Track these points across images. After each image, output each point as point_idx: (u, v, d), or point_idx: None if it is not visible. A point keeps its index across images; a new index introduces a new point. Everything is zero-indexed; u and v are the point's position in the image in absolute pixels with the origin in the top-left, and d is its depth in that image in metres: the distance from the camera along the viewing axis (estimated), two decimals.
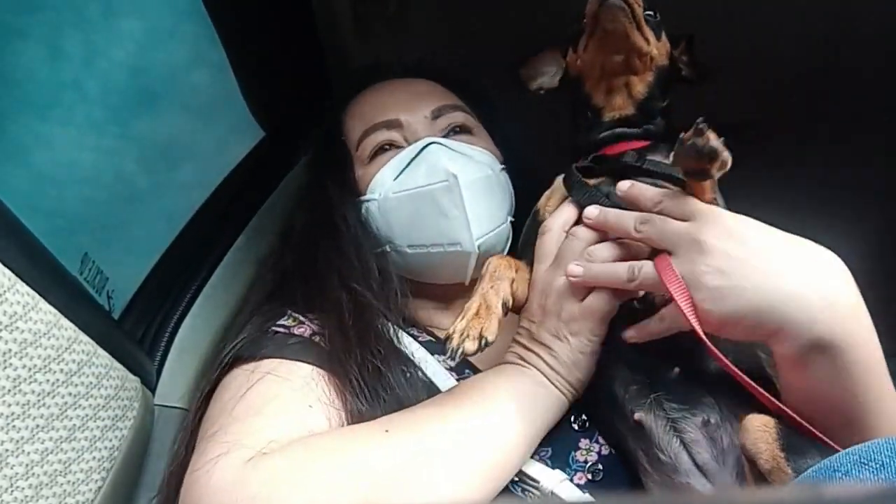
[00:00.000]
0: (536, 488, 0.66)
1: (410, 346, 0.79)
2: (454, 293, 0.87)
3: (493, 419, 0.65)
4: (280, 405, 0.67)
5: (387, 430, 0.63)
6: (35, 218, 0.76)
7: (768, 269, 0.62)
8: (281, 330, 0.76)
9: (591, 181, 0.77)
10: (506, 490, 0.65)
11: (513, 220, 0.88)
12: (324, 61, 1.05)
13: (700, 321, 0.61)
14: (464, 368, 0.78)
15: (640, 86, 0.79)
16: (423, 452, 0.62)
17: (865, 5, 1.01)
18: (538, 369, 0.69)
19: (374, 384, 0.70)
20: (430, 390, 0.74)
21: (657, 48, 0.78)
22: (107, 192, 1.20)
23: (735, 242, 0.62)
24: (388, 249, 0.85)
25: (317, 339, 0.75)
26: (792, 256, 0.63)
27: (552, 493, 0.65)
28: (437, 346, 0.80)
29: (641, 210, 0.69)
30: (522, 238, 0.81)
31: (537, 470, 0.67)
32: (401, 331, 0.80)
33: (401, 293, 0.83)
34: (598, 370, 0.71)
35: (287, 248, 0.88)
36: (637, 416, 0.69)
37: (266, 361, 0.72)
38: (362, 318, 0.76)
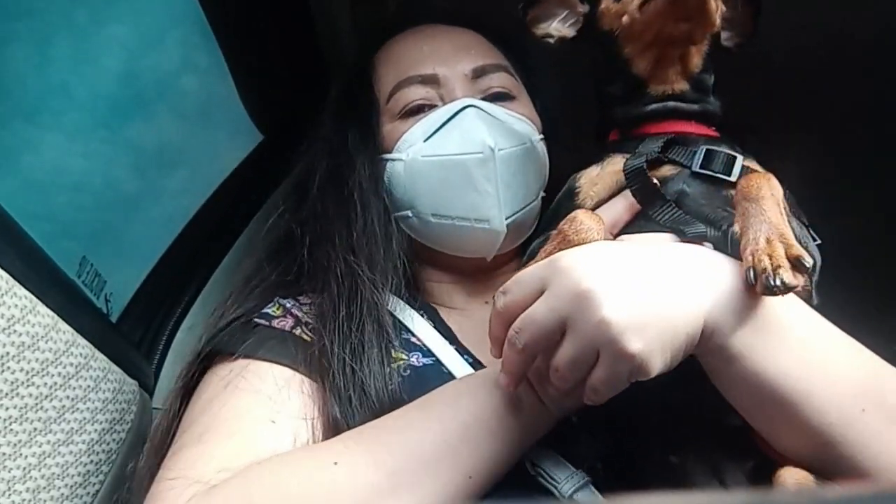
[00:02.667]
0: (556, 488, 0.60)
1: (421, 329, 0.74)
2: (473, 267, 0.82)
3: (464, 434, 0.58)
4: (241, 424, 0.63)
5: (335, 462, 0.57)
6: (23, 223, 0.76)
7: (657, 274, 0.54)
8: (262, 322, 0.72)
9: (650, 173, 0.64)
10: (526, 482, 0.61)
11: (545, 195, 0.81)
12: (323, 63, 1.05)
13: (639, 368, 0.51)
14: (464, 354, 0.73)
15: (697, 57, 0.67)
16: (374, 485, 0.55)
17: (865, 6, 1.02)
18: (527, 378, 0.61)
19: (350, 389, 0.65)
20: (440, 377, 0.69)
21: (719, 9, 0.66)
22: (96, 198, 1.20)
23: (607, 266, 0.53)
24: (410, 215, 0.79)
25: (298, 331, 0.71)
26: (674, 262, 0.56)
27: (571, 496, 0.59)
28: (454, 337, 0.75)
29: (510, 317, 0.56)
30: (550, 213, 0.71)
31: (559, 469, 0.61)
32: (413, 312, 0.75)
33: (409, 268, 0.77)
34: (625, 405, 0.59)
35: (297, 206, 0.82)
36: (674, 459, 0.61)
37: (241, 361, 0.67)
38: (354, 303, 0.70)
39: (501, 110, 0.79)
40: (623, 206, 0.64)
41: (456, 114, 0.77)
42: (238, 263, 1.00)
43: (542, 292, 0.54)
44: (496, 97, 0.81)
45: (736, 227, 0.56)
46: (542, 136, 0.82)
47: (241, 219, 1.03)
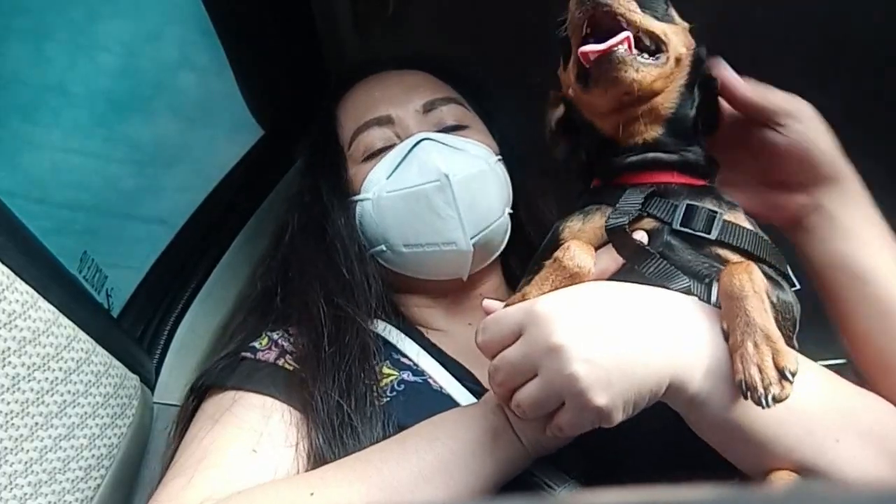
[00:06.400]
0: (552, 495, 0.63)
1: (409, 349, 0.78)
2: (452, 289, 0.86)
3: (440, 467, 0.61)
4: (224, 455, 0.66)
5: (312, 493, 0.60)
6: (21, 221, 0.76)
7: (628, 329, 0.56)
8: (249, 355, 0.75)
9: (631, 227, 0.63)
10: (524, 487, 0.63)
11: (511, 212, 0.86)
12: (323, 59, 1.05)
13: (603, 419, 0.55)
14: (460, 373, 0.76)
15: (667, 104, 0.64)
16: None
17: (868, 4, 1.02)
18: (507, 415, 0.63)
19: (335, 421, 0.68)
20: (431, 393, 0.73)
21: (675, 36, 0.63)
22: (95, 195, 1.20)
23: (579, 320, 0.56)
24: (384, 249, 0.83)
25: (282, 361, 0.74)
26: (647, 310, 0.58)
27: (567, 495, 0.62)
28: (443, 354, 0.79)
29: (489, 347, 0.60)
30: (537, 256, 0.69)
31: (556, 477, 0.64)
32: (401, 334, 0.79)
33: (391, 299, 0.82)
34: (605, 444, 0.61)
35: (275, 256, 0.87)
36: (652, 478, 0.60)
37: (230, 393, 0.71)
38: (341, 340, 0.74)
39: (455, 138, 0.84)
40: (610, 258, 0.64)
41: (412, 148, 0.81)
42: (239, 260, 1.00)
43: (519, 335, 0.57)
44: (449, 128, 0.86)
45: (724, 325, 0.57)
46: (498, 157, 0.87)
47: (242, 214, 1.03)
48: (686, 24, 0.67)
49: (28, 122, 1.18)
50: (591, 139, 0.69)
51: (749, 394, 0.52)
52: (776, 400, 0.51)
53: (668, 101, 0.64)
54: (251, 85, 1.03)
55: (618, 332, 0.56)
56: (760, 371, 0.52)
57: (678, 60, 0.63)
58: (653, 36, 0.62)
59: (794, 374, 0.52)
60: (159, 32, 1.21)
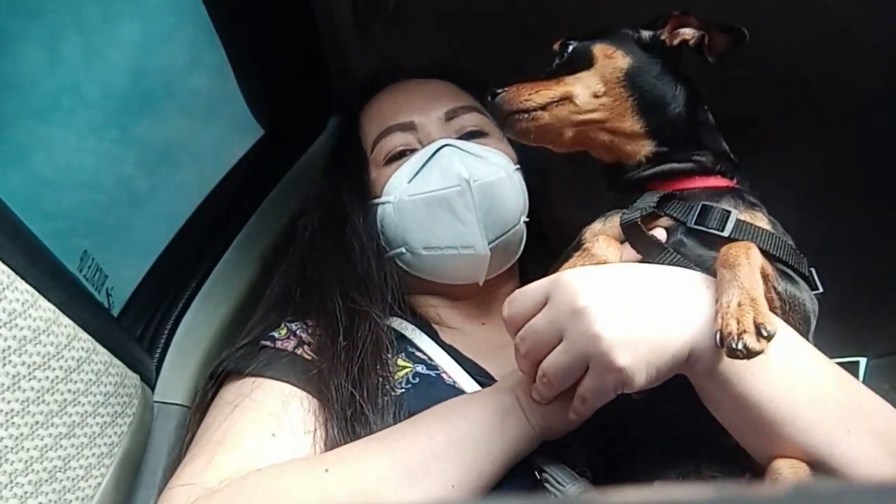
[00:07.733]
0: (561, 492, 0.63)
1: (424, 345, 0.79)
2: (468, 293, 0.87)
3: (450, 446, 0.62)
4: (244, 438, 0.68)
5: (326, 469, 0.62)
6: (34, 220, 0.76)
7: (652, 298, 0.58)
8: (268, 344, 0.77)
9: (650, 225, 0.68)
10: (534, 484, 0.64)
11: (527, 220, 0.87)
12: (323, 59, 1.05)
13: (625, 382, 0.56)
14: (474, 370, 0.77)
15: (628, 122, 0.70)
16: (363, 491, 0.60)
17: (868, 3, 1.01)
18: (517, 397, 0.65)
19: (349, 412, 0.70)
20: (444, 386, 0.74)
21: (582, 81, 0.70)
22: (106, 195, 1.21)
23: (604, 286, 0.58)
24: (404, 251, 0.85)
25: (300, 350, 0.76)
26: (663, 282, 0.59)
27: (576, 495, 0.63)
28: (456, 351, 0.79)
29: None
30: (559, 262, 0.71)
31: (564, 474, 0.65)
32: (416, 330, 0.80)
33: (406, 300, 0.84)
34: (616, 416, 0.63)
35: (295, 255, 0.88)
36: (662, 474, 0.63)
37: (249, 380, 0.73)
38: (355, 333, 0.76)
39: (475, 145, 0.86)
40: (631, 254, 0.67)
41: (434, 154, 0.83)
42: (240, 259, 1.01)
43: (544, 304, 0.59)
44: (470, 135, 0.88)
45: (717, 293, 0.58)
46: (517, 166, 0.88)
47: (243, 213, 1.03)
48: (609, 51, 0.71)
49: (42, 123, 1.20)
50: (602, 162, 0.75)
51: (723, 341, 0.52)
52: (748, 350, 0.51)
53: (624, 121, 0.70)
54: (251, 84, 1.04)
55: (642, 300, 0.57)
56: (738, 323, 0.52)
57: (596, 95, 0.69)
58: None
59: (770, 335, 0.51)
60: (172, 32, 1.21)
